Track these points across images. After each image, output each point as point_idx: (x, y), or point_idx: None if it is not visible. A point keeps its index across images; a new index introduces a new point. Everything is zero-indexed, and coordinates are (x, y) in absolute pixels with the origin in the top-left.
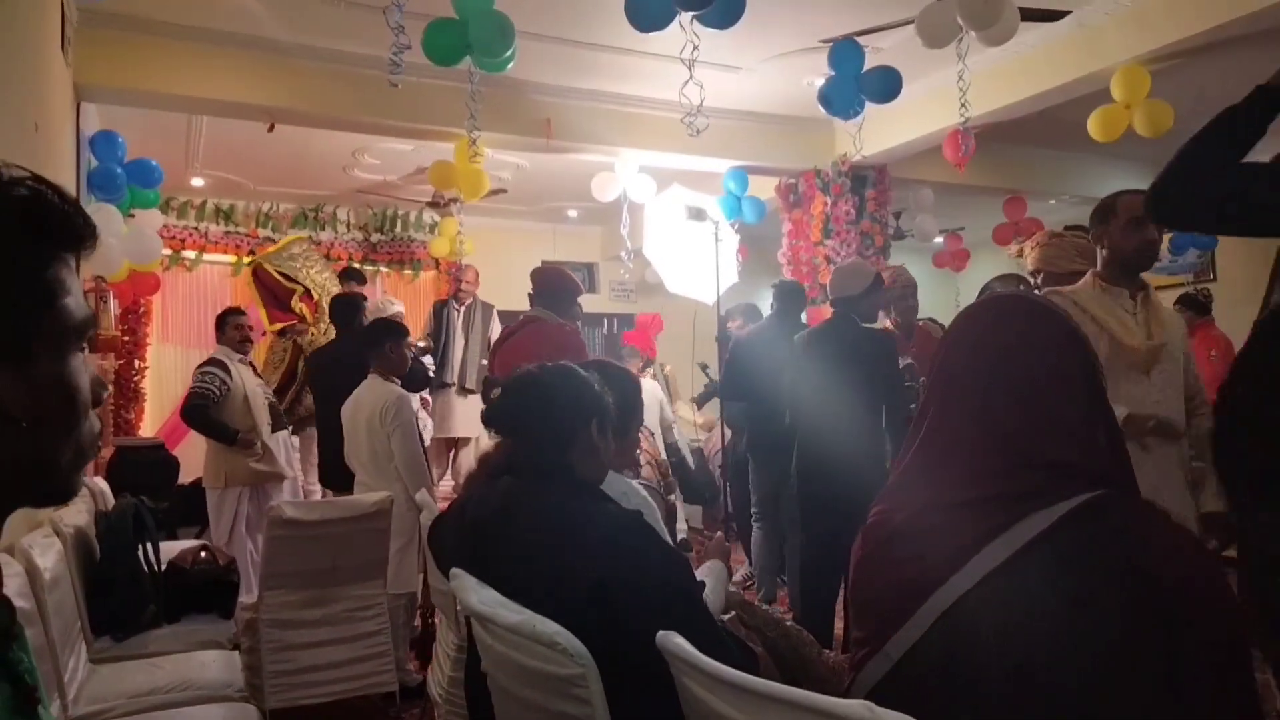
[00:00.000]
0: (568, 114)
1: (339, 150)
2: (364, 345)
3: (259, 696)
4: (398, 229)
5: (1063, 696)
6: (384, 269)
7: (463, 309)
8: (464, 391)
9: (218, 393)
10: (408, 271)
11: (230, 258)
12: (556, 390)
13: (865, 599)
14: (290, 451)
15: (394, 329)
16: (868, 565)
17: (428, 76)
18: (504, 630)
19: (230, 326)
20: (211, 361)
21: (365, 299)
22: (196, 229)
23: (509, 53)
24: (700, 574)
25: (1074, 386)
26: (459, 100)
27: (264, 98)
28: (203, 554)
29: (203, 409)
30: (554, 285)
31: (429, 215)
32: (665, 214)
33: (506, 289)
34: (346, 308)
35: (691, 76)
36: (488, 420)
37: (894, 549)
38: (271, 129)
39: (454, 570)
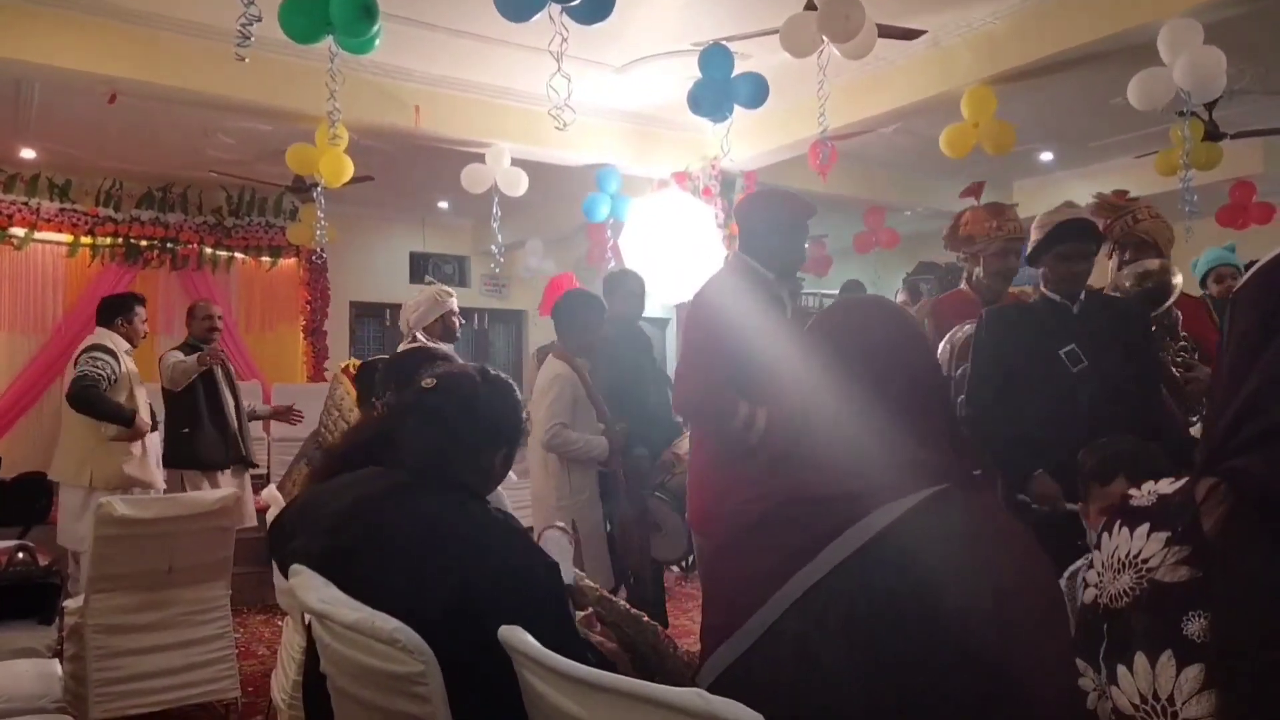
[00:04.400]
0: (438, 102)
1: (191, 127)
2: None
3: (82, 707)
4: (255, 213)
5: (912, 678)
6: (239, 255)
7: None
8: None
9: (106, 381)
10: (265, 259)
11: (66, 237)
12: (490, 404)
13: (721, 587)
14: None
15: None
16: (726, 554)
17: (287, 54)
18: (342, 628)
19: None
20: (99, 347)
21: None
22: (27, 204)
23: (373, 33)
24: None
25: (925, 387)
26: (321, 81)
27: (104, 66)
28: (20, 554)
29: (94, 388)
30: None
31: (290, 200)
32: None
33: (374, 278)
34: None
35: (560, 69)
36: (411, 408)
37: (754, 539)
38: (113, 100)
39: (294, 567)
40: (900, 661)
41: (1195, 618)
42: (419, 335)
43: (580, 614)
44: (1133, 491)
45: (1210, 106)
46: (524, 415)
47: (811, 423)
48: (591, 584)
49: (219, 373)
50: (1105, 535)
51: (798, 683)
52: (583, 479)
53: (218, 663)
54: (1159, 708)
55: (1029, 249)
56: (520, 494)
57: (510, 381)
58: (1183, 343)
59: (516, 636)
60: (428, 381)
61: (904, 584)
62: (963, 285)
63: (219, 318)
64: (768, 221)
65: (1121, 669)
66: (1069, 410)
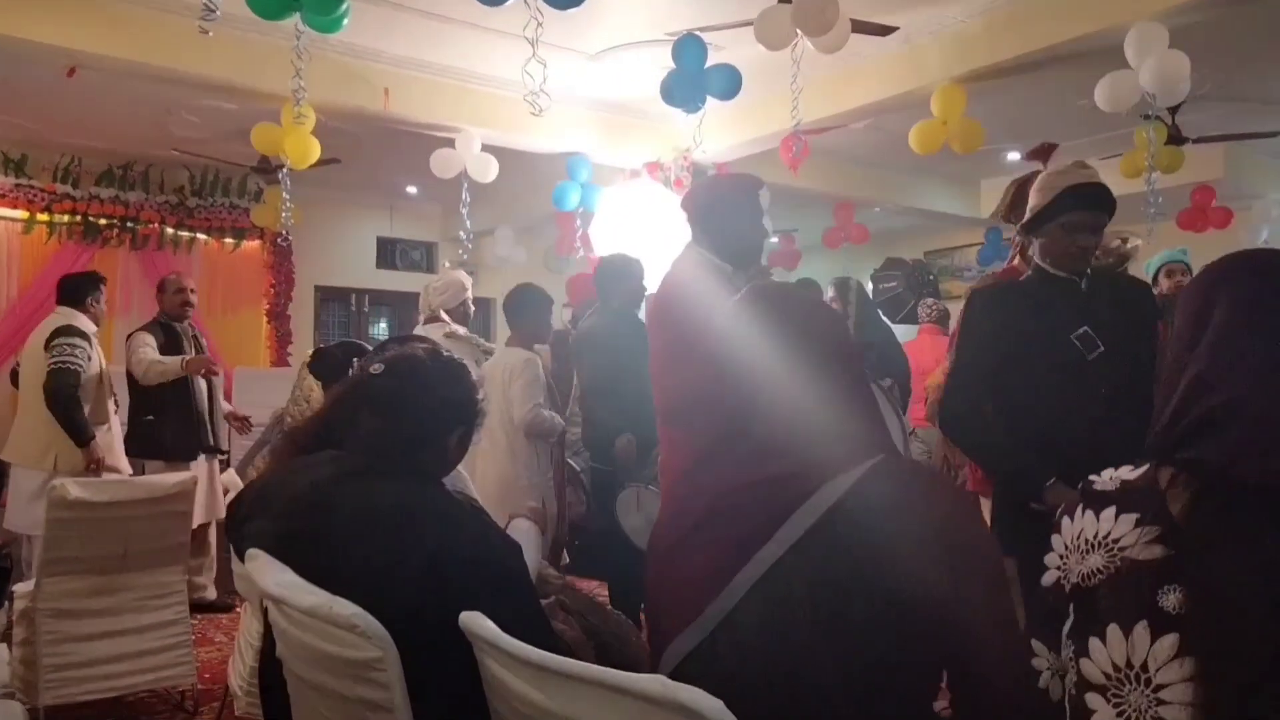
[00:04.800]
0: (407, 85)
1: (153, 103)
2: None
3: (32, 693)
4: (218, 194)
5: (877, 642)
6: (202, 236)
7: None
8: None
9: (83, 369)
10: (229, 240)
11: (21, 213)
12: (442, 386)
13: (674, 585)
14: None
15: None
16: (678, 552)
17: (254, 31)
18: (299, 613)
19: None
20: (74, 330)
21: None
22: None
23: (341, 11)
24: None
25: (852, 363)
26: (288, 59)
27: (62, 38)
28: None
29: (76, 392)
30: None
31: (255, 181)
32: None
33: (340, 263)
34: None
35: (535, 54)
36: (361, 394)
37: (704, 533)
38: (72, 74)
39: (251, 551)
40: (867, 628)
41: (1170, 591)
42: (443, 315)
43: (544, 602)
44: (1094, 477)
45: (1174, 111)
46: (480, 395)
47: (758, 405)
48: (555, 572)
49: (190, 352)
50: (1067, 519)
51: (766, 661)
52: (546, 459)
53: (173, 649)
54: (1132, 674)
55: (1027, 214)
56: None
57: (462, 362)
58: None
59: (477, 623)
60: (375, 367)
61: (864, 552)
62: (1017, 263)
63: (192, 291)
64: (714, 206)
65: (1094, 641)
66: (1084, 402)
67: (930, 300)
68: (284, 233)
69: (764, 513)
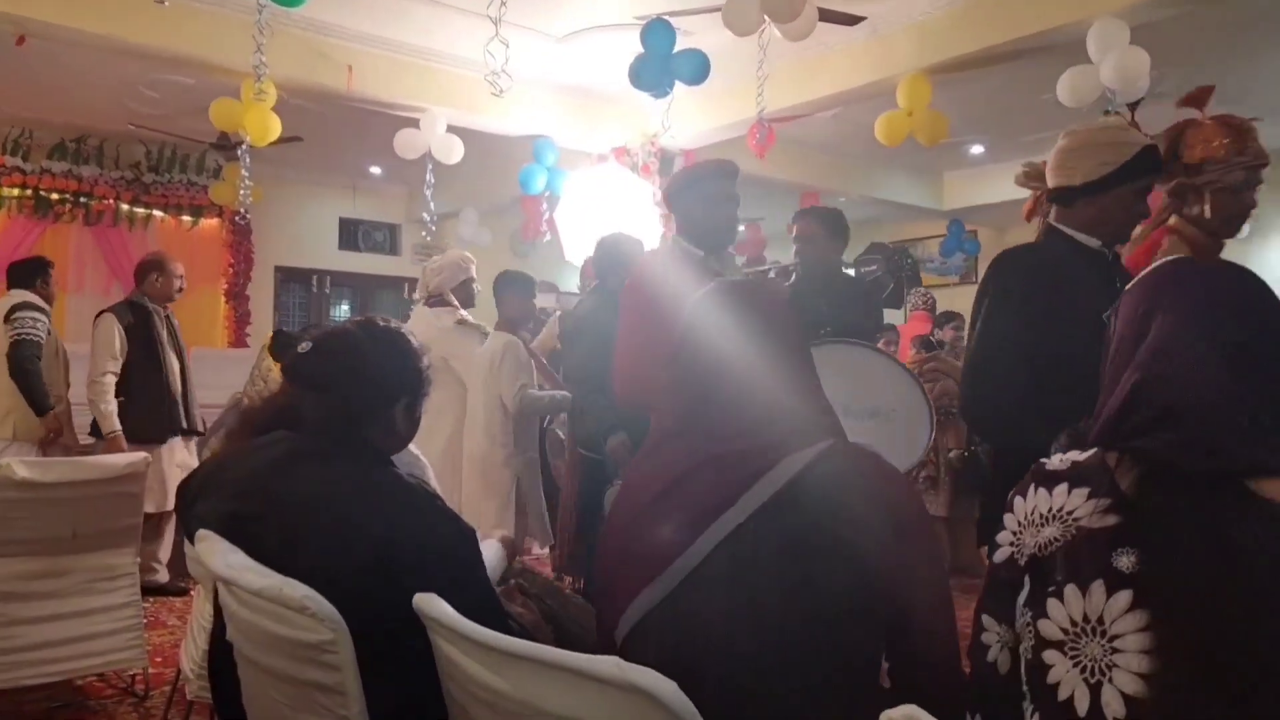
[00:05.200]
0: (371, 63)
1: (109, 76)
2: None
3: None
4: (175, 170)
5: (834, 605)
6: (158, 213)
7: None
8: None
9: (41, 344)
10: (186, 218)
11: None
12: (376, 358)
13: (636, 549)
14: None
15: None
16: (642, 519)
17: (214, 3)
18: (249, 594)
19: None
20: (31, 305)
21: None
22: None
23: None
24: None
25: (804, 352)
26: (249, 34)
27: (10, 4)
28: None
29: (36, 363)
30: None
31: (214, 158)
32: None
33: (301, 243)
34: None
35: (497, 33)
36: (292, 375)
37: (669, 500)
38: (21, 43)
39: (200, 532)
40: (827, 592)
41: (1124, 553)
42: (449, 297)
43: (502, 587)
44: (1044, 460)
45: (1133, 107)
46: (424, 363)
47: (721, 388)
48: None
49: (163, 333)
50: (1019, 498)
51: (731, 617)
52: (528, 438)
53: (123, 632)
54: (1089, 627)
55: (1080, 177)
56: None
57: (399, 330)
58: None
59: (432, 605)
60: (303, 346)
61: (823, 521)
62: (1177, 231)
63: (182, 278)
64: (684, 192)
65: (1052, 601)
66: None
67: (920, 290)
68: (243, 211)
69: (727, 482)
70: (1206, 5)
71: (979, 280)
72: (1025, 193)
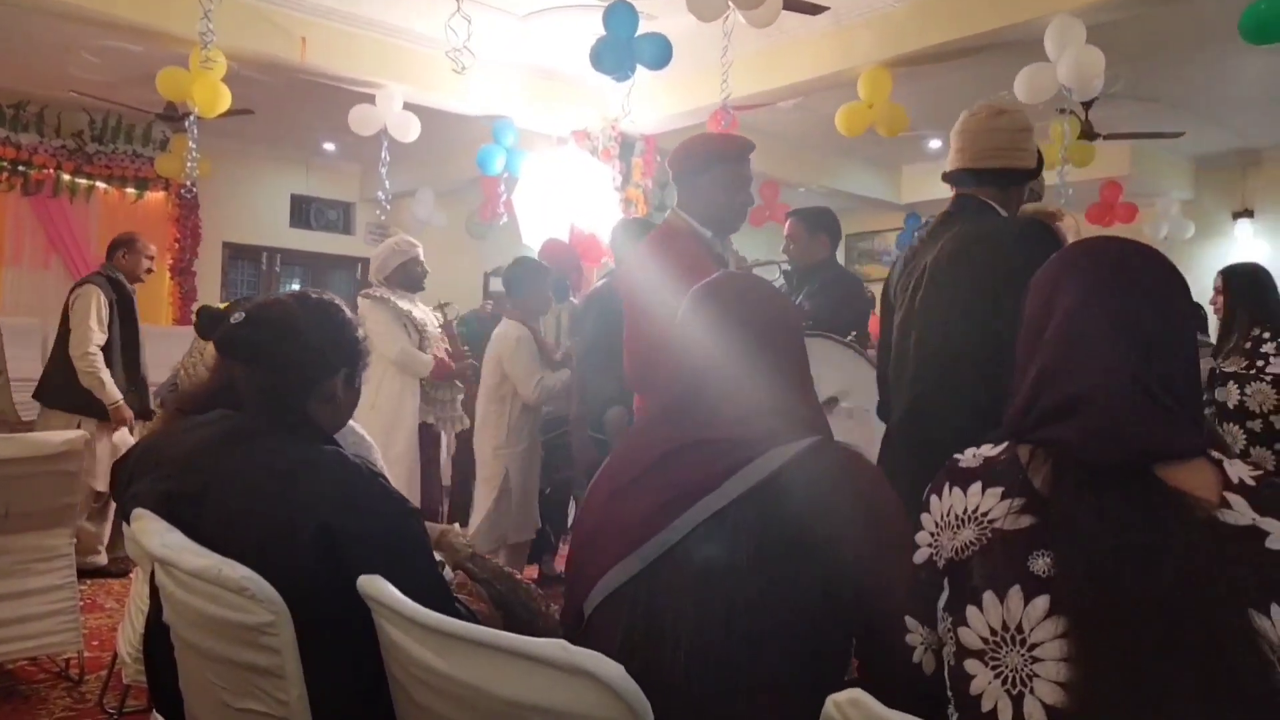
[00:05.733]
0: (326, 35)
1: (49, 40)
2: None
3: None
4: (120, 140)
5: (810, 597)
6: (101, 185)
7: None
8: None
9: None
10: (131, 190)
11: None
12: (312, 327)
13: (614, 524)
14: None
15: None
16: (625, 494)
17: None
18: (187, 575)
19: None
20: None
21: None
22: None
23: None
24: None
25: (798, 349)
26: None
27: None
28: None
29: None
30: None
31: (160, 129)
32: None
33: (251, 219)
34: None
35: (459, 9)
36: (225, 347)
37: (651, 478)
38: None
39: (137, 511)
40: (803, 584)
41: (1040, 556)
42: (377, 284)
43: (452, 575)
44: (958, 456)
45: (1087, 106)
46: (359, 334)
47: (713, 377)
48: (464, 541)
49: (136, 311)
50: (935, 497)
51: (705, 598)
52: (522, 429)
53: (57, 615)
54: (1009, 636)
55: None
56: None
57: (333, 301)
58: None
59: (376, 587)
60: (235, 317)
61: (800, 516)
62: None
63: (152, 259)
64: (711, 176)
65: (971, 609)
66: None
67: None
68: (190, 184)
69: (712, 466)
70: (1162, 6)
71: None
72: None
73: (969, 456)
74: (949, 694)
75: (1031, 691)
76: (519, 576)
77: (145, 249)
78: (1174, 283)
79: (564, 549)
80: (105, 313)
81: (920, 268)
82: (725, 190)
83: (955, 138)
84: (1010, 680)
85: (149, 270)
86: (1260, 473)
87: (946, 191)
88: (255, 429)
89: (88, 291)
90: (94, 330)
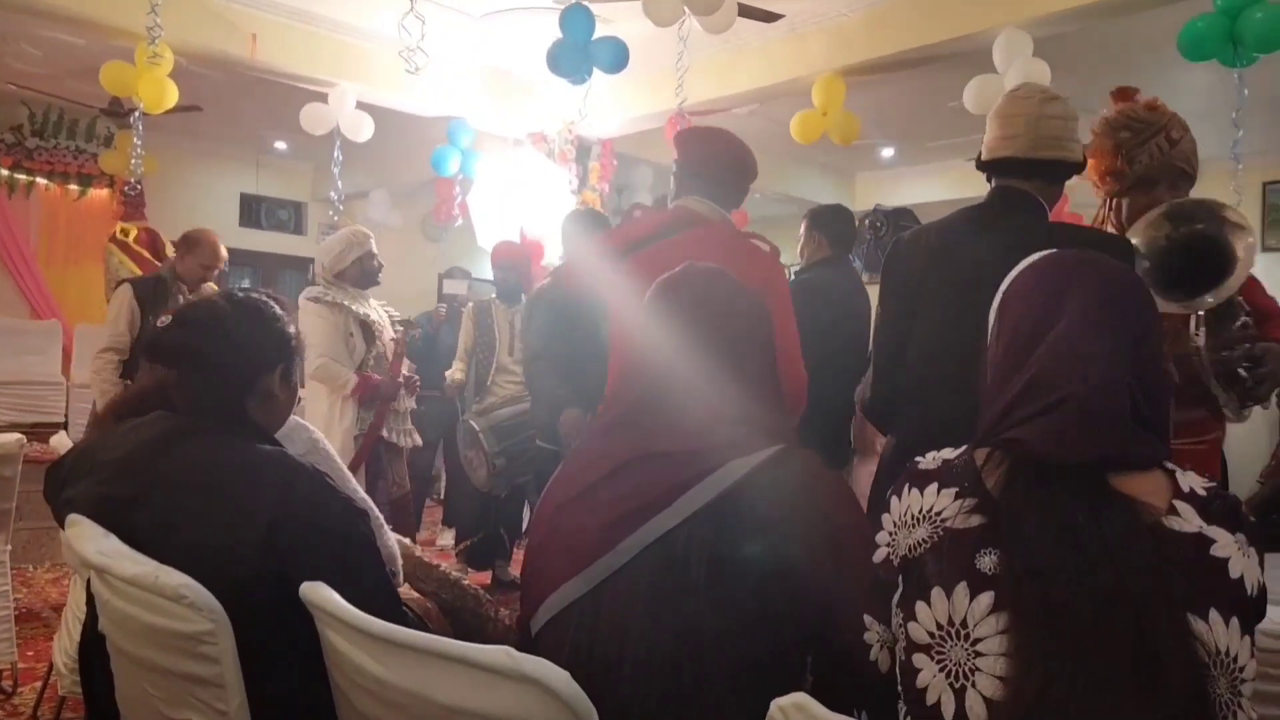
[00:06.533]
0: (277, 32)
1: None
2: None
3: None
4: (62, 135)
5: (762, 615)
6: (42, 180)
7: None
8: None
9: None
10: (73, 186)
11: None
12: (241, 328)
13: (563, 538)
14: None
15: None
16: (575, 506)
17: None
18: (123, 583)
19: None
20: None
21: None
22: None
23: None
24: None
25: (765, 353)
26: None
27: None
28: None
29: None
30: (723, 161)
31: (105, 125)
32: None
33: (199, 218)
34: None
35: (413, 8)
36: (154, 351)
37: (601, 492)
38: None
39: (71, 517)
40: (755, 603)
41: (986, 554)
42: (324, 281)
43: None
44: (919, 458)
45: None
46: (291, 330)
47: (673, 383)
48: (410, 545)
49: None
50: (895, 498)
51: (652, 621)
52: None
53: None
54: (953, 631)
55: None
56: None
57: (264, 298)
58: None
59: (318, 593)
60: (163, 320)
61: (758, 530)
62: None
63: (211, 268)
64: (722, 169)
65: (920, 605)
66: None
67: None
68: (135, 182)
69: (664, 483)
70: (1107, 21)
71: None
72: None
73: (929, 459)
74: (899, 689)
75: (973, 685)
76: (466, 582)
77: (203, 255)
78: (1152, 300)
79: (518, 554)
80: (130, 315)
81: (970, 262)
82: (735, 195)
83: (1001, 123)
84: (953, 674)
85: (203, 280)
86: (1212, 485)
87: (900, 199)
88: (194, 429)
89: (120, 292)
90: (107, 334)
